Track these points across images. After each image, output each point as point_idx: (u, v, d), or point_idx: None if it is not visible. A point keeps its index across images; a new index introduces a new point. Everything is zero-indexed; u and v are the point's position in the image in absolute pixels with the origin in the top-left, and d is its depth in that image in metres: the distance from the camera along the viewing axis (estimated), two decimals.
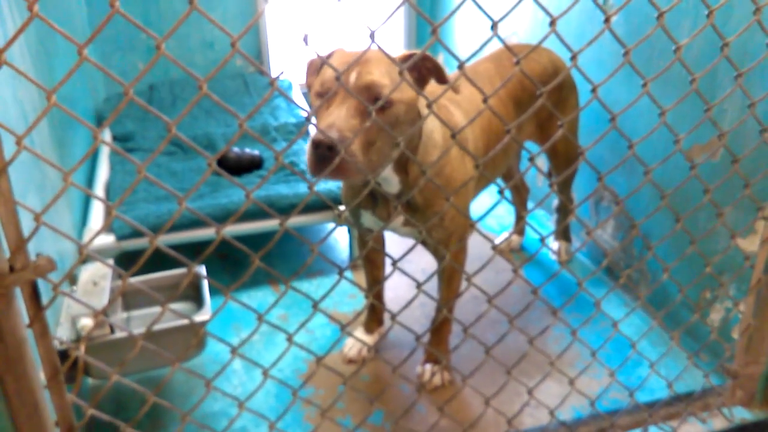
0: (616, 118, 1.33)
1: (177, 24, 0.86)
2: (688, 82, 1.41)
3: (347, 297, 2.72)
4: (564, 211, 2.90)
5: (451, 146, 1.29)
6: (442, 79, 1.63)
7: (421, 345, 1.44)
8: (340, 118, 1.47)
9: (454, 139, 1.22)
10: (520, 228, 3.09)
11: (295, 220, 2.69)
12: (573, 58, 1.22)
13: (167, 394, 2.17)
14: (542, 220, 3.33)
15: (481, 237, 1.31)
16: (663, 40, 2.25)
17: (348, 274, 2.93)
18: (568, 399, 2.04)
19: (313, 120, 1.49)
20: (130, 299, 2.15)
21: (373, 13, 4.48)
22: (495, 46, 2.49)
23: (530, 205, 3.23)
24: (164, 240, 2.50)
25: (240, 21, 4.30)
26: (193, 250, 2.78)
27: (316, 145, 1.44)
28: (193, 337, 1.90)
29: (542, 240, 1.40)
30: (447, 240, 1.94)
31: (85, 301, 1.79)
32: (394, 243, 2.85)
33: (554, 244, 2.98)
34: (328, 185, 2.67)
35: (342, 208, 2.44)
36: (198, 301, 2.13)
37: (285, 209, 2.65)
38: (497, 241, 3.11)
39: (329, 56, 1.67)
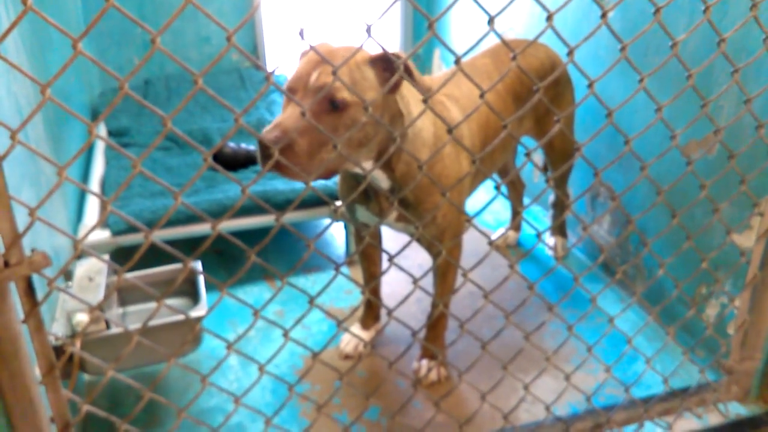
0: (613, 113, 1.33)
1: (172, 18, 0.86)
2: (685, 77, 1.41)
3: (344, 293, 2.72)
4: (560, 206, 2.90)
5: (446, 143, 1.29)
6: (413, 79, 1.58)
7: (418, 341, 1.44)
8: (289, 117, 1.49)
9: (450, 134, 1.22)
10: (516, 224, 3.09)
11: (292, 216, 2.69)
12: (570, 53, 1.22)
13: (163, 389, 2.17)
14: (538, 216, 3.34)
15: (478, 233, 1.31)
16: (659, 35, 2.24)
17: (344, 269, 2.93)
18: (564, 394, 2.04)
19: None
20: (126, 295, 2.15)
21: (369, 7, 4.47)
22: (492, 41, 2.48)
23: (526, 200, 3.23)
24: (160, 235, 2.50)
25: (236, 15, 4.29)
26: (190, 246, 2.77)
27: (259, 144, 1.48)
28: (189, 333, 1.89)
29: (538, 236, 1.40)
30: (440, 236, 1.94)
31: (80, 296, 1.78)
32: (391, 238, 2.86)
33: (550, 239, 2.98)
34: (325, 180, 2.67)
35: (338, 203, 2.44)
36: (194, 297, 2.12)
37: (281, 205, 2.64)
38: (493, 236, 3.11)
39: (305, 52, 1.67)
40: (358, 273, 2.84)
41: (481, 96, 1.20)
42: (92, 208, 2.63)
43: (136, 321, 2.11)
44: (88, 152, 3.26)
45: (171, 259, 2.04)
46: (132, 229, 2.50)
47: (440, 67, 4.62)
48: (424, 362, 2.22)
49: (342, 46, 1.64)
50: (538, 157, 3.14)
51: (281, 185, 2.75)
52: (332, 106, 1.52)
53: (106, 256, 2.43)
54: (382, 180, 1.82)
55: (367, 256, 2.28)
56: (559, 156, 2.60)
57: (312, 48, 1.07)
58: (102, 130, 3.47)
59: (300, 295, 2.66)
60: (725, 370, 1.99)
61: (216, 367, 1.22)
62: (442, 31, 4.31)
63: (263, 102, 3.78)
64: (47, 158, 0.90)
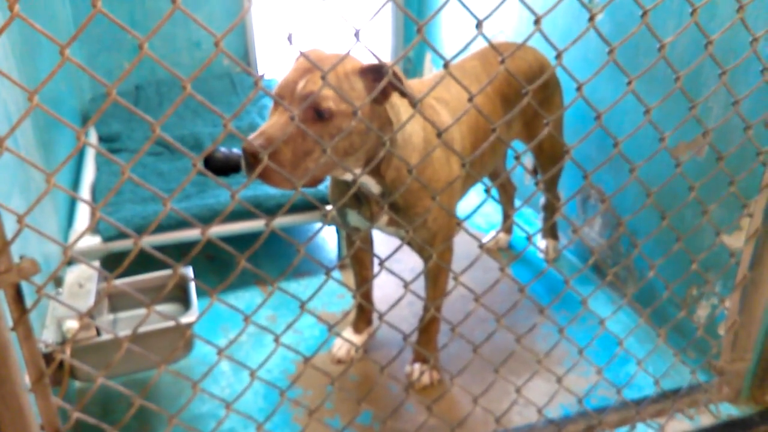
0: (602, 116, 1.34)
1: (160, 23, 0.86)
2: (673, 80, 1.42)
3: (335, 297, 2.71)
4: (551, 209, 2.90)
5: (436, 146, 1.29)
6: (401, 91, 1.56)
7: (410, 344, 1.44)
8: (274, 125, 1.50)
9: (440, 138, 1.22)
10: (507, 226, 3.10)
11: (283, 220, 2.68)
12: (558, 56, 1.22)
13: (154, 396, 2.16)
14: (529, 218, 3.34)
15: (469, 236, 1.31)
16: (648, 38, 2.26)
17: (336, 274, 2.93)
18: (556, 397, 2.04)
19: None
20: (116, 301, 2.14)
21: (359, 11, 4.48)
22: (482, 44, 2.49)
23: (517, 203, 3.24)
24: (151, 241, 2.49)
25: (226, 21, 4.29)
26: (182, 251, 2.77)
27: (244, 151, 1.49)
28: (180, 339, 1.89)
29: (529, 238, 1.40)
30: (431, 240, 1.94)
31: (70, 303, 1.77)
32: (382, 242, 2.85)
33: (541, 242, 2.99)
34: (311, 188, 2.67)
35: (329, 207, 2.44)
36: (185, 303, 2.12)
37: (272, 209, 2.64)
38: (485, 239, 3.11)
39: (299, 57, 1.67)
40: (350, 277, 2.84)
41: (470, 100, 1.20)
42: (83, 214, 2.62)
43: (127, 327, 2.10)
44: (79, 158, 3.25)
45: (160, 265, 2.04)
46: (123, 235, 2.50)
47: (431, 70, 4.63)
48: (417, 366, 2.22)
49: (333, 54, 1.64)
50: (528, 160, 3.15)
51: (272, 190, 2.74)
52: (318, 115, 1.53)
53: (97, 263, 2.42)
54: (372, 185, 1.82)
55: (359, 260, 2.28)
56: (549, 159, 2.61)
57: (302, 54, 1.07)
58: (92, 135, 3.45)
59: (292, 300, 2.65)
60: (716, 371, 1.99)
61: (207, 372, 1.22)
62: (433, 34, 4.32)
63: (254, 107, 3.77)
64: (36, 165, 0.89)
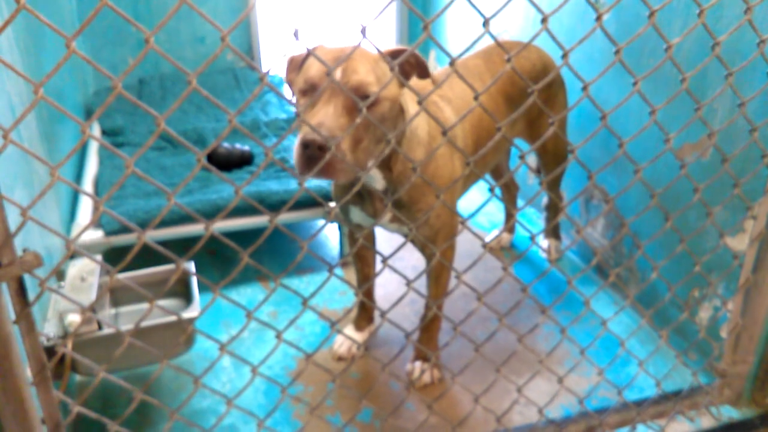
0: (607, 116, 1.33)
1: (167, 18, 0.86)
2: (679, 81, 1.41)
3: (337, 294, 2.71)
4: (553, 208, 2.90)
5: (441, 144, 1.28)
6: (424, 74, 1.63)
7: (411, 342, 1.44)
8: (328, 116, 1.47)
9: (445, 136, 1.22)
10: (510, 226, 3.09)
11: (285, 217, 2.68)
12: (564, 55, 1.22)
13: (155, 391, 2.16)
14: (532, 218, 3.34)
15: (471, 234, 1.31)
16: (653, 38, 2.25)
17: (338, 271, 2.92)
18: (557, 397, 2.04)
19: (303, 118, 1.49)
20: (118, 295, 2.14)
21: (364, 8, 4.47)
22: (485, 42, 2.49)
23: (520, 202, 3.23)
24: (153, 236, 2.49)
25: (231, 15, 4.29)
26: (183, 246, 2.77)
27: (306, 144, 1.43)
28: (182, 334, 1.89)
29: (532, 238, 1.40)
30: (434, 238, 1.94)
31: (72, 297, 1.77)
32: (384, 240, 2.85)
33: (544, 242, 2.99)
34: (319, 181, 2.66)
35: (332, 204, 2.43)
36: (187, 298, 2.11)
37: (275, 205, 2.64)
38: (487, 239, 3.11)
39: (307, 55, 1.67)
40: (351, 275, 2.84)
41: (476, 98, 1.19)
42: (85, 207, 2.62)
43: (129, 322, 2.10)
44: (82, 151, 3.25)
45: (164, 260, 2.03)
46: (125, 229, 2.50)
47: (435, 68, 4.62)
48: (418, 364, 2.22)
49: (345, 47, 1.64)
50: (532, 159, 3.15)
51: (275, 186, 2.74)
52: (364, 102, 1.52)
53: (99, 256, 2.42)
54: (377, 180, 1.81)
55: (361, 258, 2.28)
56: (552, 158, 2.60)
57: (309, 52, 1.07)
58: (96, 129, 3.45)
59: (293, 296, 2.65)
60: (718, 374, 1.99)
61: (209, 368, 1.22)
62: (438, 32, 4.32)
63: (258, 102, 3.77)
64: (40, 158, 0.89)
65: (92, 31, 4.07)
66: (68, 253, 0.95)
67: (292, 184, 2.77)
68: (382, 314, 1.37)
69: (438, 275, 2.08)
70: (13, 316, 1.00)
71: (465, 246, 2.84)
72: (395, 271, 1.35)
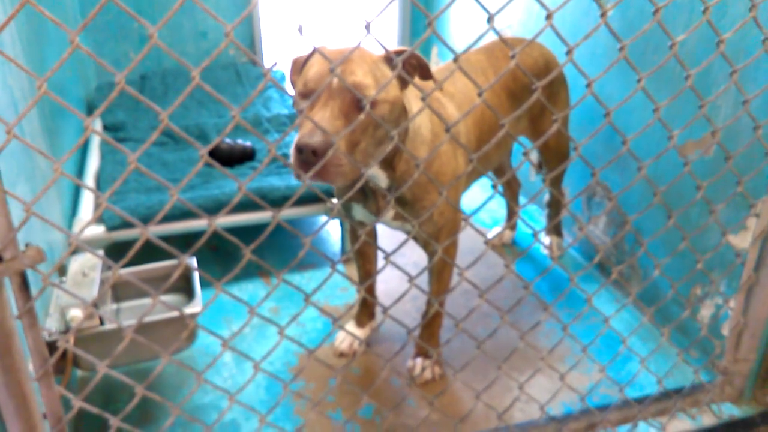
0: (611, 113, 1.33)
1: (170, 13, 0.85)
2: (683, 78, 1.41)
3: (339, 290, 2.71)
4: (555, 205, 2.90)
5: (444, 141, 1.28)
6: (426, 75, 1.63)
7: (413, 339, 1.44)
8: (324, 120, 1.46)
9: (448, 132, 1.21)
10: (512, 222, 3.09)
11: (287, 213, 2.68)
12: (569, 52, 1.21)
13: (157, 386, 2.16)
14: (534, 215, 3.34)
15: (473, 231, 1.30)
16: (657, 35, 2.24)
17: (340, 267, 2.92)
18: (558, 394, 2.04)
19: (301, 120, 1.49)
20: (119, 290, 2.14)
21: (367, 3, 4.46)
22: (488, 38, 2.48)
23: (522, 199, 3.23)
24: (155, 231, 2.49)
25: (233, 10, 4.28)
26: (184, 242, 2.77)
27: (300, 149, 1.43)
28: (184, 330, 1.89)
29: (535, 235, 1.40)
30: (437, 235, 1.94)
31: (74, 292, 1.77)
32: (386, 236, 2.85)
33: (545, 239, 2.98)
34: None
35: (334, 201, 2.43)
36: (188, 293, 2.11)
37: (277, 201, 2.64)
38: (489, 235, 3.11)
39: (310, 55, 1.66)
40: (353, 270, 2.84)
41: (479, 95, 1.19)
42: (87, 202, 2.62)
43: (130, 317, 2.10)
44: (84, 146, 3.25)
45: (164, 255, 2.03)
46: (127, 225, 2.50)
47: (438, 64, 4.62)
48: (419, 360, 2.22)
49: (344, 48, 1.63)
50: (534, 156, 3.14)
51: (277, 181, 2.74)
52: (361, 105, 1.52)
53: (101, 252, 2.42)
54: (381, 178, 1.81)
55: (363, 254, 2.28)
56: (554, 155, 2.60)
57: (317, 50, 1.06)
58: (98, 124, 3.45)
59: (294, 292, 2.65)
60: (719, 371, 1.99)
61: (211, 363, 1.22)
62: (441, 28, 4.31)
63: (260, 98, 3.77)
64: (43, 153, 0.89)
65: (94, 26, 4.07)
66: (71, 248, 0.95)
67: (294, 180, 2.76)
68: (384, 311, 1.37)
69: (440, 272, 2.08)
70: (15, 311, 1.00)
71: (467, 243, 2.84)
72: (397, 267, 1.35)
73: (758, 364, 1.95)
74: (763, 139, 1.61)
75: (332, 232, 3.19)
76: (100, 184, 2.79)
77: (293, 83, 1.74)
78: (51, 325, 1.74)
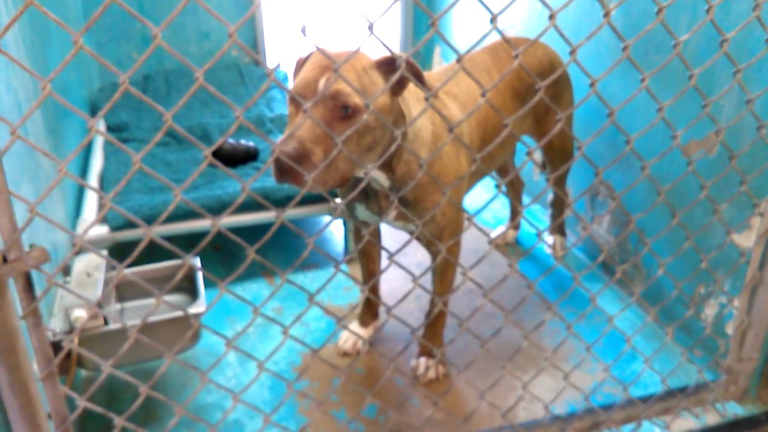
0: (615, 113, 1.33)
1: (174, 14, 0.85)
2: (686, 77, 1.40)
3: (342, 290, 2.71)
4: (559, 205, 2.89)
5: (447, 141, 1.28)
6: (420, 81, 1.60)
7: (417, 338, 1.44)
8: (303, 127, 1.47)
9: (451, 133, 1.21)
10: (515, 222, 3.09)
11: (290, 212, 2.68)
12: (572, 52, 1.21)
13: (160, 386, 2.17)
14: (537, 214, 3.33)
15: (476, 230, 1.30)
16: (660, 34, 2.24)
17: (343, 267, 2.93)
18: (562, 393, 2.04)
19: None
20: (123, 290, 2.14)
21: (370, 3, 4.46)
22: (492, 38, 2.48)
23: (525, 199, 3.23)
24: (159, 231, 2.49)
25: (236, 10, 4.28)
26: (187, 242, 2.77)
27: (278, 158, 1.44)
28: (188, 329, 1.89)
29: (539, 235, 1.40)
30: (440, 235, 1.94)
31: (78, 292, 1.78)
32: (389, 236, 2.85)
33: (549, 238, 2.98)
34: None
35: (338, 201, 2.43)
36: (192, 293, 2.12)
37: (280, 201, 2.64)
38: (493, 235, 3.10)
39: (308, 57, 1.66)
40: (356, 270, 2.84)
41: (483, 95, 1.19)
42: (91, 203, 2.63)
43: (134, 317, 2.10)
44: (87, 147, 3.25)
45: (166, 255, 2.04)
46: (130, 225, 2.50)
47: (440, 64, 4.61)
48: (423, 360, 2.22)
49: (343, 52, 1.63)
50: (537, 155, 3.14)
51: None
52: (344, 112, 1.52)
53: (105, 252, 2.42)
54: (382, 180, 1.81)
55: (366, 254, 2.28)
56: (558, 155, 2.60)
57: (319, 49, 1.07)
58: (101, 125, 3.46)
59: (298, 291, 2.66)
60: (723, 370, 1.99)
61: (215, 363, 1.22)
62: (444, 28, 4.31)
63: (263, 98, 3.77)
64: (47, 154, 0.89)
65: (97, 27, 4.07)
66: (75, 248, 0.95)
67: None
68: (388, 310, 1.37)
69: (443, 272, 2.08)
70: (20, 311, 1.00)
71: (470, 242, 2.84)
72: (401, 267, 1.35)
73: (762, 363, 1.94)
74: (767, 138, 1.60)
75: (336, 232, 3.19)
76: (105, 185, 2.79)
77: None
78: (55, 325, 1.74)
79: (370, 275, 2.32)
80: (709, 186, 1.59)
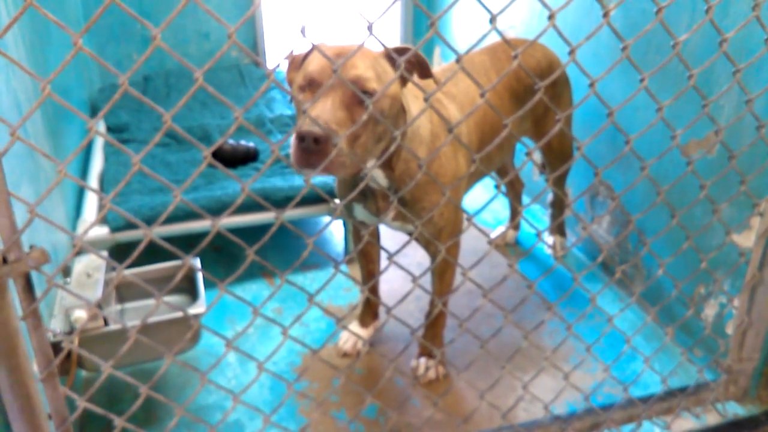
0: (614, 113, 1.33)
1: (174, 14, 0.85)
2: (686, 77, 1.41)
3: (342, 290, 2.71)
4: (558, 205, 2.89)
5: (446, 142, 1.28)
6: (426, 74, 1.62)
7: (417, 339, 1.44)
8: (325, 110, 1.45)
9: (451, 133, 1.21)
10: (515, 222, 3.09)
11: (290, 213, 2.68)
12: (571, 52, 1.21)
13: (161, 386, 2.17)
14: (537, 214, 3.33)
15: (476, 231, 1.30)
16: (659, 34, 2.24)
17: (343, 267, 2.93)
18: (562, 393, 2.04)
19: (303, 110, 1.48)
20: (123, 291, 2.14)
21: (369, 3, 4.46)
22: (491, 38, 2.48)
23: (525, 199, 3.23)
24: (158, 232, 2.49)
25: (235, 11, 4.28)
26: (187, 242, 2.77)
27: (302, 137, 1.41)
28: (188, 330, 1.89)
29: (539, 235, 1.40)
30: (438, 235, 1.94)
31: (78, 293, 1.78)
32: (389, 237, 2.85)
33: (549, 238, 2.98)
34: (323, 178, 2.67)
35: (337, 201, 2.43)
36: (192, 294, 2.12)
37: (280, 202, 2.64)
38: (492, 235, 3.11)
39: (309, 52, 1.66)
40: (356, 271, 2.84)
41: (482, 95, 1.19)
42: (91, 204, 2.63)
43: (134, 318, 2.10)
44: (87, 148, 3.25)
45: (166, 255, 2.04)
46: (130, 225, 2.50)
47: (440, 64, 4.61)
48: (423, 360, 2.22)
49: (346, 45, 1.63)
50: (537, 156, 3.14)
51: (280, 182, 2.74)
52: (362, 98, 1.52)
53: (105, 253, 2.42)
54: (380, 178, 1.81)
55: (366, 254, 2.28)
56: (558, 155, 2.60)
57: (316, 48, 1.07)
58: (101, 125, 3.46)
59: (298, 292, 2.66)
60: (723, 370, 1.99)
61: (215, 364, 1.22)
62: (443, 28, 4.31)
63: (263, 99, 3.77)
64: (47, 155, 0.89)
65: (97, 28, 4.08)
66: (75, 249, 0.95)
67: (297, 181, 2.77)
68: (388, 311, 1.37)
69: (443, 272, 2.08)
70: (20, 312, 1.00)
71: (470, 242, 2.84)
72: (401, 267, 1.35)
73: (762, 363, 1.94)
74: (767, 138, 1.60)
75: (335, 232, 3.19)
76: (104, 186, 2.80)
77: (290, 81, 1.74)
78: (55, 326, 1.74)
79: (370, 276, 2.32)
80: (709, 186, 1.59)
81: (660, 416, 1.90)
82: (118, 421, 1.15)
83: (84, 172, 3.04)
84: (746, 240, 2.01)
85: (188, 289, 2.14)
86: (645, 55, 2.34)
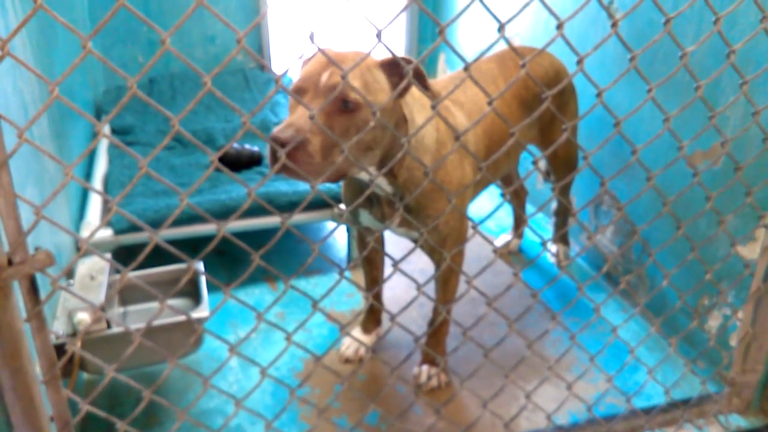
0: (621, 123, 1.33)
1: (183, 18, 0.86)
2: (692, 88, 1.40)
3: (345, 296, 2.71)
4: (563, 214, 2.89)
5: (453, 149, 1.28)
6: (424, 85, 1.61)
7: (420, 346, 1.44)
8: (302, 116, 1.47)
9: (458, 141, 1.21)
10: (519, 231, 3.09)
11: (294, 218, 2.68)
12: (579, 62, 1.21)
13: (163, 390, 2.16)
14: (541, 223, 3.33)
15: (481, 239, 1.30)
16: (666, 45, 2.24)
17: (346, 273, 2.92)
18: (565, 403, 2.03)
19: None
20: (126, 294, 2.14)
21: (376, 9, 4.47)
22: (498, 46, 2.48)
23: (529, 207, 3.22)
24: (162, 235, 2.49)
25: (241, 15, 4.29)
26: (190, 245, 2.77)
27: (272, 141, 1.43)
28: (191, 334, 1.89)
29: (544, 244, 1.40)
30: (443, 243, 1.93)
31: (82, 295, 1.78)
32: (392, 243, 2.85)
33: (553, 247, 2.98)
34: (329, 183, 2.66)
35: (342, 206, 2.43)
36: (195, 297, 2.12)
37: (284, 206, 2.64)
38: (496, 243, 3.10)
39: (313, 55, 1.67)
40: (359, 277, 2.83)
41: (489, 103, 1.19)
42: (95, 206, 2.63)
43: (137, 321, 2.10)
44: (92, 150, 3.26)
45: (169, 258, 2.03)
46: (134, 228, 2.50)
47: (445, 71, 4.62)
48: (425, 368, 2.21)
49: (350, 51, 1.64)
50: (542, 164, 3.14)
51: (284, 187, 2.74)
52: (344, 106, 1.52)
53: (108, 255, 2.42)
54: (384, 186, 1.81)
55: (370, 261, 2.28)
56: (563, 164, 2.59)
57: (320, 50, 1.07)
58: (106, 128, 3.46)
59: (300, 297, 2.65)
60: (727, 382, 1.98)
61: (218, 369, 1.22)
62: (449, 35, 4.32)
63: (268, 103, 3.77)
64: (54, 157, 0.89)
65: (103, 30, 4.08)
66: (80, 252, 0.95)
67: (301, 186, 2.76)
68: (391, 318, 1.36)
69: (447, 280, 2.07)
70: (24, 314, 1.00)
71: (474, 250, 2.83)
72: (404, 274, 1.35)
73: (766, 376, 1.94)
74: None
75: (339, 237, 3.19)
76: (109, 188, 2.80)
77: None
78: (58, 328, 1.74)
79: (374, 282, 2.31)
80: (715, 197, 1.58)
81: (663, 428, 1.90)
82: (120, 425, 1.15)
83: (88, 174, 3.05)
84: (751, 252, 2.01)
85: (190, 292, 2.14)
86: (651, 65, 2.34)
